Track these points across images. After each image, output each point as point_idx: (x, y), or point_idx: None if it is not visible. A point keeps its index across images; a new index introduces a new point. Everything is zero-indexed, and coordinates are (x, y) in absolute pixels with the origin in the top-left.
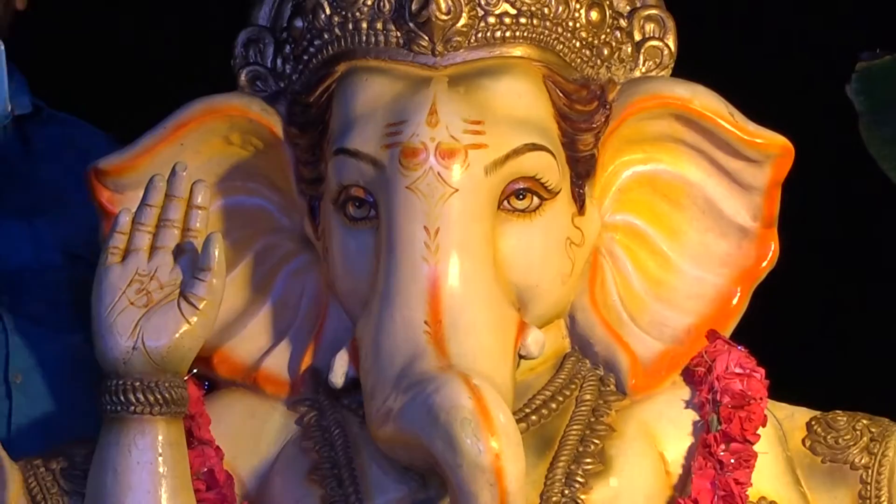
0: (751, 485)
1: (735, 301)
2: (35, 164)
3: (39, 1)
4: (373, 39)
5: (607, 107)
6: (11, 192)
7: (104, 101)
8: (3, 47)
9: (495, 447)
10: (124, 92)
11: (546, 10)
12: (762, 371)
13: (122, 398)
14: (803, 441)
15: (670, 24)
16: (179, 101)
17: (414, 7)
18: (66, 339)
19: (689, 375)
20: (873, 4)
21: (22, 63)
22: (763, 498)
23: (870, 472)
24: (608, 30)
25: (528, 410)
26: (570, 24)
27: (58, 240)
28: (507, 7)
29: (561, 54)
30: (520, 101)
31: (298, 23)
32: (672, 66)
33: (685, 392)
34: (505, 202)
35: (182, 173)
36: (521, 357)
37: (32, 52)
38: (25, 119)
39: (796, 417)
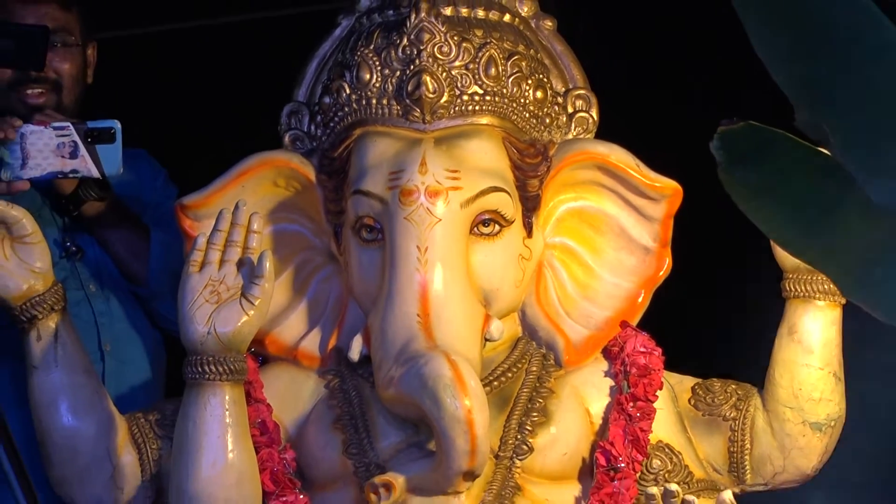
0: (651, 432)
1: (640, 300)
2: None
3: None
4: (380, 112)
5: (549, 160)
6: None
7: (184, 157)
8: (119, 126)
9: (468, 405)
10: (200, 150)
11: (504, 91)
12: (660, 350)
13: (199, 369)
14: (689, 400)
15: (594, 100)
16: (241, 155)
17: (410, 88)
18: (138, 317)
19: (607, 353)
20: (749, 79)
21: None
22: (660, 441)
23: (737, 422)
24: (549, 104)
25: (491, 378)
26: (522, 100)
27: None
28: (476, 88)
29: (515, 122)
30: (486, 156)
31: (326, 99)
32: (595, 130)
33: (604, 365)
34: (475, 228)
35: (243, 207)
36: (486, 340)
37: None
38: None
39: (684, 383)
